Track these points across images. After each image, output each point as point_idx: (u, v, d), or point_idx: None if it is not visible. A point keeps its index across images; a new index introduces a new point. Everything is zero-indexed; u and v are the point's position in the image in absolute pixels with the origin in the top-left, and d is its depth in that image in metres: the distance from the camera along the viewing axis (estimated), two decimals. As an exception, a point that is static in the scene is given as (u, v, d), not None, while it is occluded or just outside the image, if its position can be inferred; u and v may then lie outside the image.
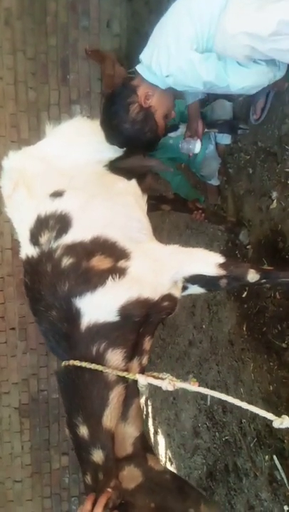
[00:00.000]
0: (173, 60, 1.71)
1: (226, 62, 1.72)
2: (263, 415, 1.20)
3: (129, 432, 1.42)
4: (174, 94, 1.94)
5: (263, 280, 1.69)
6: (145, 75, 1.80)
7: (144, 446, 1.45)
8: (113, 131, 1.87)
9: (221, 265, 1.62)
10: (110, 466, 1.32)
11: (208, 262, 1.63)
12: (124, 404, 1.43)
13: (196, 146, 2.12)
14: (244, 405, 1.24)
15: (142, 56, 1.83)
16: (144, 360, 1.55)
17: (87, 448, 1.36)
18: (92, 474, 1.33)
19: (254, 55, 1.68)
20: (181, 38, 1.68)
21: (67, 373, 1.43)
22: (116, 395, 1.40)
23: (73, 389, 1.42)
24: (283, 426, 1.17)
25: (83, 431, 1.37)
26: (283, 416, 1.18)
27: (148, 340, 1.56)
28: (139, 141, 1.88)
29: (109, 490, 1.23)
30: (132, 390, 1.45)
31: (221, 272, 1.61)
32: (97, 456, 1.34)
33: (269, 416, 1.19)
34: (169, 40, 1.71)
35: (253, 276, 1.64)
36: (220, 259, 1.64)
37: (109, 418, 1.38)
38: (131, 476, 1.33)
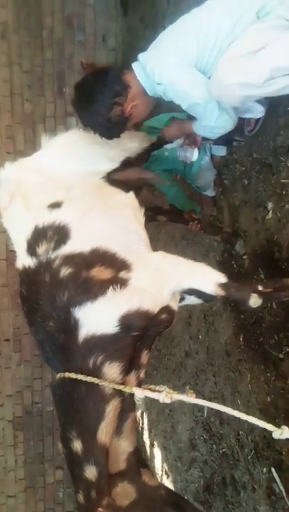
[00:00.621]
0: (167, 71, 1.76)
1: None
2: (263, 426, 1.20)
3: (123, 447, 1.40)
4: (155, 104, 1.99)
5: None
6: (139, 74, 1.83)
7: (138, 461, 1.42)
8: (85, 113, 1.87)
9: (222, 285, 1.58)
10: (103, 483, 1.29)
11: (209, 279, 1.60)
12: (119, 418, 1.41)
13: (194, 154, 2.15)
14: (243, 416, 1.24)
15: (141, 56, 1.85)
16: (142, 374, 1.53)
17: (80, 464, 1.33)
18: (84, 492, 1.30)
19: (248, 100, 1.79)
20: (182, 52, 1.72)
21: (62, 385, 1.41)
22: (112, 409, 1.38)
23: (68, 402, 1.40)
24: (283, 437, 1.16)
25: (77, 445, 1.34)
26: (283, 427, 1.17)
27: (145, 354, 1.55)
28: (101, 132, 1.91)
29: (101, 510, 1.20)
30: (128, 404, 1.44)
31: (220, 293, 1.58)
32: (90, 472, 1.31)
33: (268, 427, 1.19)
34: (170, 49, 1.74)
35: (255, 301, 1.61)
36: (222, 279, 1.60)
37: (104, 432, 1.35)
38: (124, 493, 1.31)
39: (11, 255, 1.63)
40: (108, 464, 1.34)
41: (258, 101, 2.01)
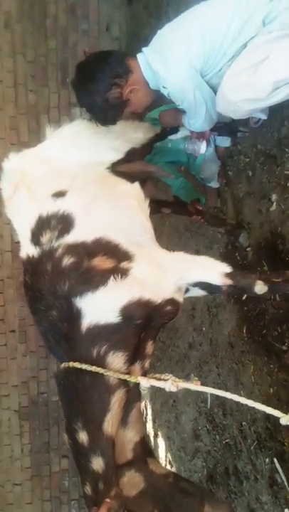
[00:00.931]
0: (173, 78, 1.75)
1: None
2: (270, 412, 1.20)
3: (129, 437, 1.40)
4: (157, 96, 1.98)
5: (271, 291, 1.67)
6: (144, 67, 1.81)
7: (145, 451, 1.42)
8: (83, 91, 1.84)
9: (228, 275, 1.58)
10: (110, 474, 1.29)
11: (214, 270, 1.60)
12: (124, 408, 1.41)
13: (202, 147, 2.14)
14: (250, 403, 1.24)
15: (146, 50, 1.83)
16: (146, 364, 1.54)
17: (86, 455, 1.33)
18: (91, 484, 1.30)
19: (254, 112, 1.84)
20: (188, 57, 1.70)
21: (66, 376, 1.41)
22: (117, 400, 1.38)
23: (73, 392, 1.40)
24: None
25: (83, 437, 1.34)
26: None
27: (150, 345, 1.56)
28: (97, 114, 1.89)
29: (109, 501, 1.20)
30: (133, 394, 1.44)
31: (227, 282, 1.58)
32: (97, 464, 1.31)
33: (276, 413, 1.19)
34: (175, 53, 1.72)
35: (261, 287, 1.60)
36: (226, 268, 1.60)
37: (110, 424, 1.35)
38: (132, 483, 1.31)
39: (16, 247, 1.64)
40: (115, 455, 1.34)
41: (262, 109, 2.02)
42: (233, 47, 1.67)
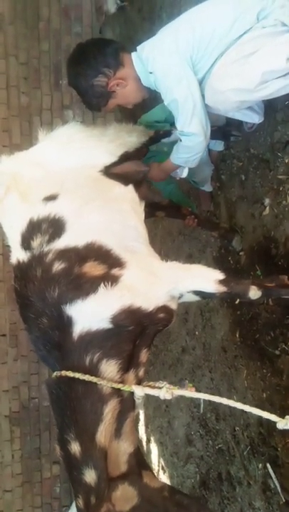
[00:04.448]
0: (161, 60, 1.75)
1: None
2: (267, 417, 1.19)
3: (123, 449, 1.36)
4: (148, 95, 1.98)
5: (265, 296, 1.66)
6: (135, 61, 1.84)
7: (139, 463, 1.38)
8: (72, 71, 1.90)
9: (221, 282, 1.57)
10: (103, 487, 1.25)
11: (207, 278, 1.58)
12: (118, 419, 1.38)
13: (184, 172, 2.14)
14: (246, 408, 1.23)
15: (140, 47, 1.86)
16: (141, 372, 1.51)
17: (78, 467, 1.29)
18: (84, 497, 1.27)
19: (244, 105, 1.79)
20: (177, 43, 1.71)
21: (58, 385, 1.38)
22: (111, 410, 1.35)
23: (65, 402, 1.36)
24: (288, 427, 1.15)
25: (75, 448, 1.31)
26: (287, 417, 1.16)
27: (144, 353, 1.53)
28: (82, 96, 1.95)
29: None
30: (127, 404, 1.40)
31: (221, 289, 1.57)
32: (89, 476, 1.27)
33: (273, 417, 1.18)
34: (166, 39, 1.74)
35: (254, 293, 1.60)
36: (220, 275, 1.59)
37: (103, 434, 1.32)
38: (125, 497, 1.26)
39: (7, 250, 1.62)
40: (108, 467, 1.30)
41: (255, 110, 2.01)
42: (225, 40, 1.66)
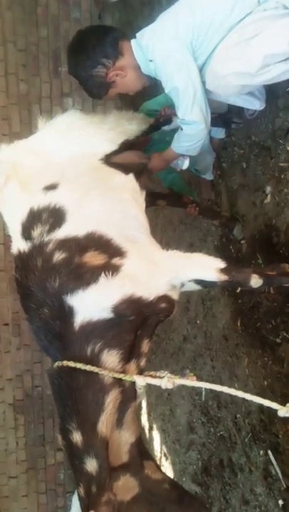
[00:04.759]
0: (161, 46, 1.72)
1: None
2: (268, 405, 1.19)
3: (125, 439, 1.37)
4: (148, 82, 1.95)
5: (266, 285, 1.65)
6: (135, 49, 1.81)
7: (141, 453, 1.39)
8: (72, 60, 1.89)
9: (223, 270, 1.56)
10: (104, 477, 1.25)
11: (209, 267, 1.58)
12: (120, 409, 1.38)
13: (185, 163, 2.11)
14: (247, 396, 1.23)
15: (139, 34, 1.83)
16: (143, 362, 1.50)
17: (80, 456, 1.30)
18: (85, 486, 1.27)
19: (245, 90, 1.77)
20: (177, 28, 1.67)
21: (60, 375, 1.38)
22: (112, 400, 1.35)
23: (67, 392, 1.37)
24: None
25: (77, 437, 1.31)
26: (288, 405, 1.16)
27: (146, 343, 1.52)
28: (83, 85, 1.94)
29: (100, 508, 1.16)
30: (128, 394, 1.41)
31: (223, 277, 1.56)
32: (91, 465, 1.27)
33: (274, 405, 1.18)
34: (166, 25, 1.71)
35: (256, 281, 1.59)
36: (221, 264, 1.58)
37: (104, 424, 1.32)
38: (126, 487, 1.27)
39: (8, 239, 1.62)
40: (109, 457, 1.31)
41: (256, 96, 1.97)
42: (226, 24, 1.63)
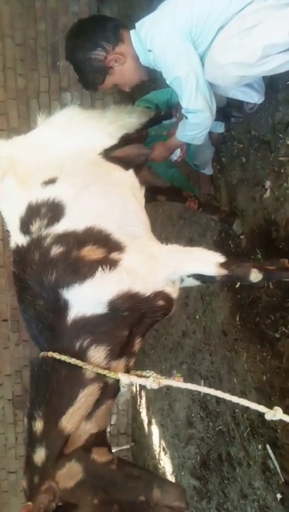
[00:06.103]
0: (160, 36, 1.70)
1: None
2: (255, 408, 1.18)
3: (87, 429, 1.35)
4: (147, 76, 1.93)
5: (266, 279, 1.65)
6: (134, 39, 1.79)
7: (96, 442, 1.36)
8: (71, 43, 1.85)
9: (222, 264, 1.56)
10: (48, 467, 1.23)
11: (208, 261, 1.57)
12: (94, 404, 1.36)
13: (176, 153, 2.12)
14: (234, 399, 1.21)
15: (137, 23, 1.80)
16: (132, 362, 1.49)
17: (33, 444, 1.29)
18: (27, 478, 1.26)
19: (244, 81, 1.73)
20: (176, 18, 1.65)
21: (41, 364, 1.37)
22: (86, 395, 1.34)
23: (44, 381, 1.36)
24: (276, 418, 1.15)
25: (38, 426, 1.30)
26: (275, 408, 1.16)
27: (138, 342, 1.52)
28: (78, 71, 1.89)
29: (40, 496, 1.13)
30: (108, 390, 1.39)
31: (222, 272, 1.55)
32: (39, 455, 1.26)
33: (261, 408, 1.17)
34: (165, 15, 1.69)
35: (255, 276, 1.58)
36: (220, 258, 1.57)
37: (68, 418, 1.31)
38: (70, 474, 1.24)
39: (7, 235, 1.61)
40: (67, 449, 1.29)
41: (255, 88, 1.95)
42: (225, 14, 1.61)
